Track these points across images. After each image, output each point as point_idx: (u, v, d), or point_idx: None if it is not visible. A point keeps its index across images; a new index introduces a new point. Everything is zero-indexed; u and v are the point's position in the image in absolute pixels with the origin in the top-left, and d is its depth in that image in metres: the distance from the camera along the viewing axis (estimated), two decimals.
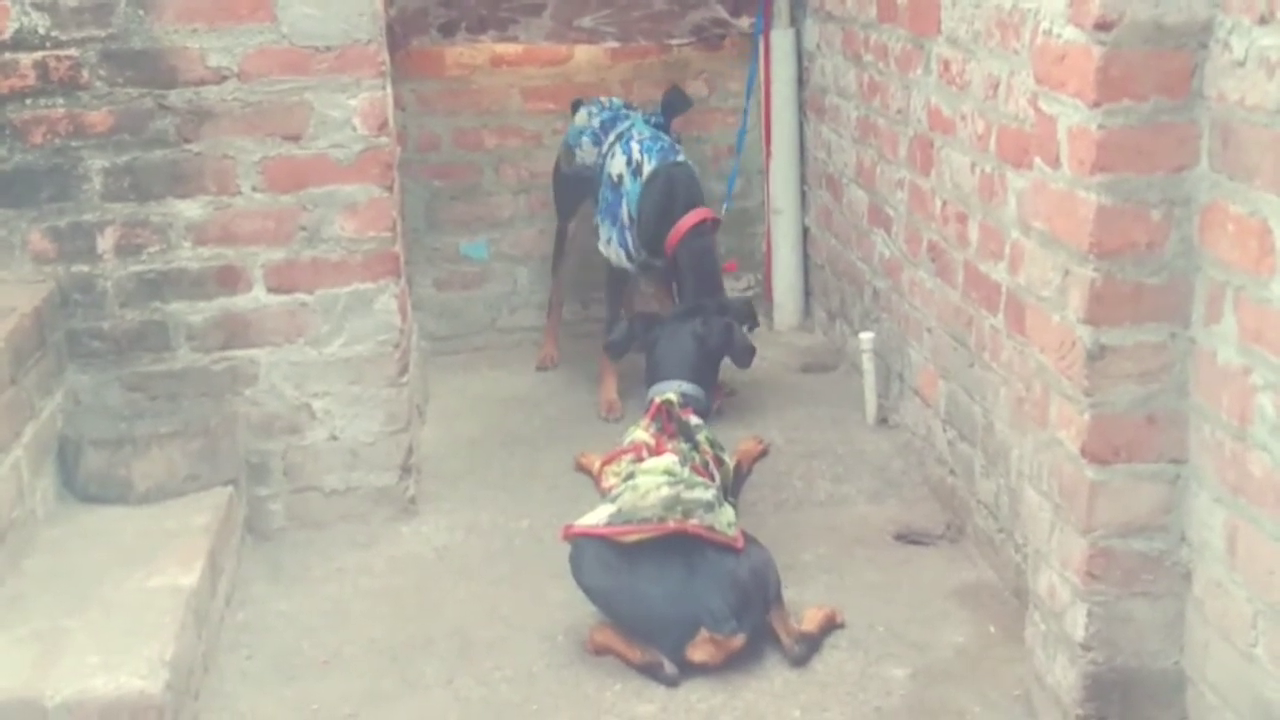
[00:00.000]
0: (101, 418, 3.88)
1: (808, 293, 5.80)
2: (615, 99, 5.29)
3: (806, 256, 5.76)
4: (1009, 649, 3.30)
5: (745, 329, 4.71)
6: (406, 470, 4.19)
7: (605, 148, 5.01)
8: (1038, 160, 2.80)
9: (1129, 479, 2.65)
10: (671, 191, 4.76)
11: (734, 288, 5.89)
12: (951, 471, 4.04)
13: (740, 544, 3.38)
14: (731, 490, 4.03)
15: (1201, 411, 2.55)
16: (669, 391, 3.98)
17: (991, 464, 3.71)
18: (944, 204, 4.02)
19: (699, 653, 3.28)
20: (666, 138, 5.00)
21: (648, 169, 4.80)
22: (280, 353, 4.03)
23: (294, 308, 4.02)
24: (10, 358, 3.44)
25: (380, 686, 3.33)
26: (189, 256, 3.94)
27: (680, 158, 4.90)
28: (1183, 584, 2.67)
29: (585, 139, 5.10)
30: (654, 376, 4.22)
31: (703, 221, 4.76)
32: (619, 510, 3.39)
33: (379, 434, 4.13)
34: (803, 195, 5.71)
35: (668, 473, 3.49)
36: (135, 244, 3.91)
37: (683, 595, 3.29)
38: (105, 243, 3.90)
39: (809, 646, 3.35)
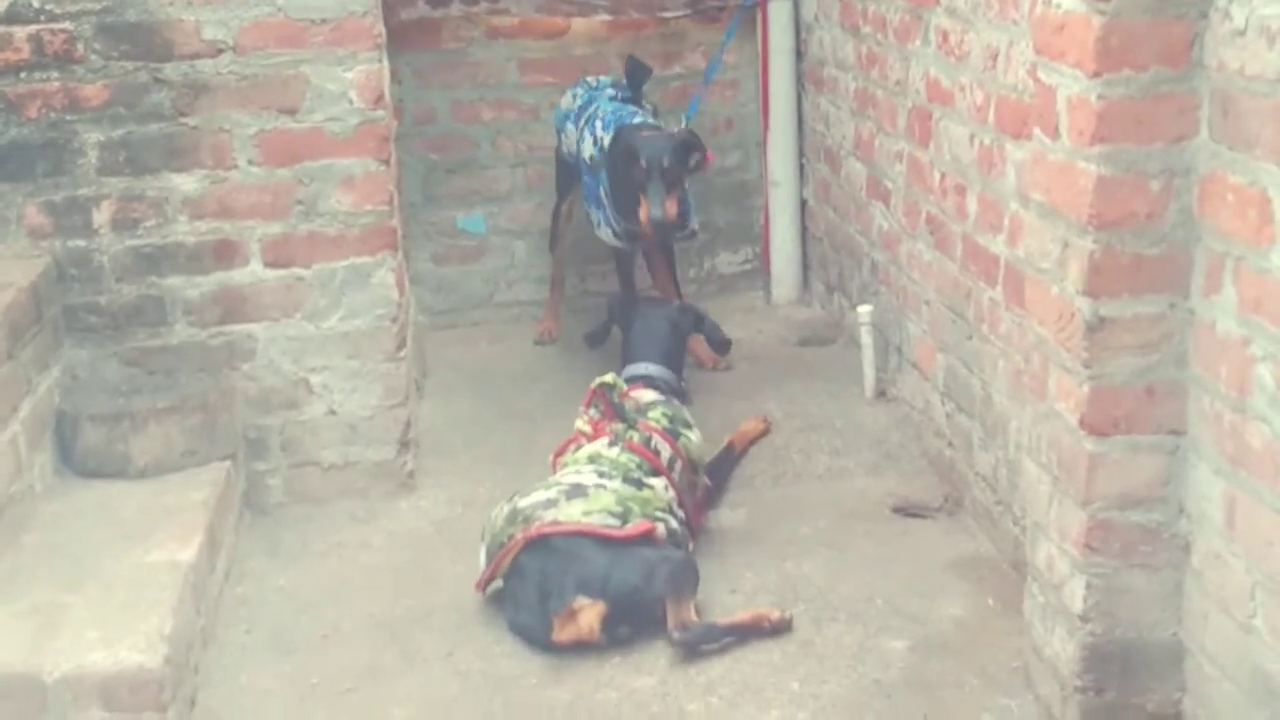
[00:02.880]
0: (99, 393, 3.88)
1: (806, 266, 5.78)
2: (603, 78, 5.25)
3: (804, 229, 5.75)
4: (1007, 621, 3.30)
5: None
6: (405, 445, 4.19)
7: (578, 130, 4.99)
8: (1037, 131, 2.79)
9: (1128, 450, 2.65)
10: (632, 150, 4.67)
11: (731, 261, 5.89)
12: (950, 444, 4.04)
13: (608, 532, 3.38)
14: (716, 467, 4.05)
15: (1200, 383, 2.55)
16: (631, 372, 4.06)
17: (990, 436, 3.71)
18: (943, 176, 4.01)
19: (559, 634, 3.30)
20: (630, 108, 4.96)
21: (607, 140, 4.79)
22: (278, 327, 4.02)
23: (291, 282, 4.01)
24: (6, 333, 3.44)
25: (379, 660, 3.34)
26: (185, 231, 3.93)
27: (636, 119, 4.84)
28: (1181, 555, 2.67)
29: (569, 125, 5.08)
30: (627, 358, 4.24)
31: None
32: (486, 546, 3.53)
33: (377, 409, 4.13)
34: (801, 168, 5.69)
35: (590, 459, 3.64)
36: (131, 218, 3.90)
37: (540, 593, 3.35)
38: (101, 217, 3.89)
39: (695, 635, 3.28)
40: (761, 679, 3.17)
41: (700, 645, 3.28)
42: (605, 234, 4.92)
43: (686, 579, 3.39)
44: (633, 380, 4.04)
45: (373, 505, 4.12)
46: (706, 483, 3.95)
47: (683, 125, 4.97)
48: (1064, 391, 2.73)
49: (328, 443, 4.12)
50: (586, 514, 3.43)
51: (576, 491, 3.50)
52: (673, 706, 3.10)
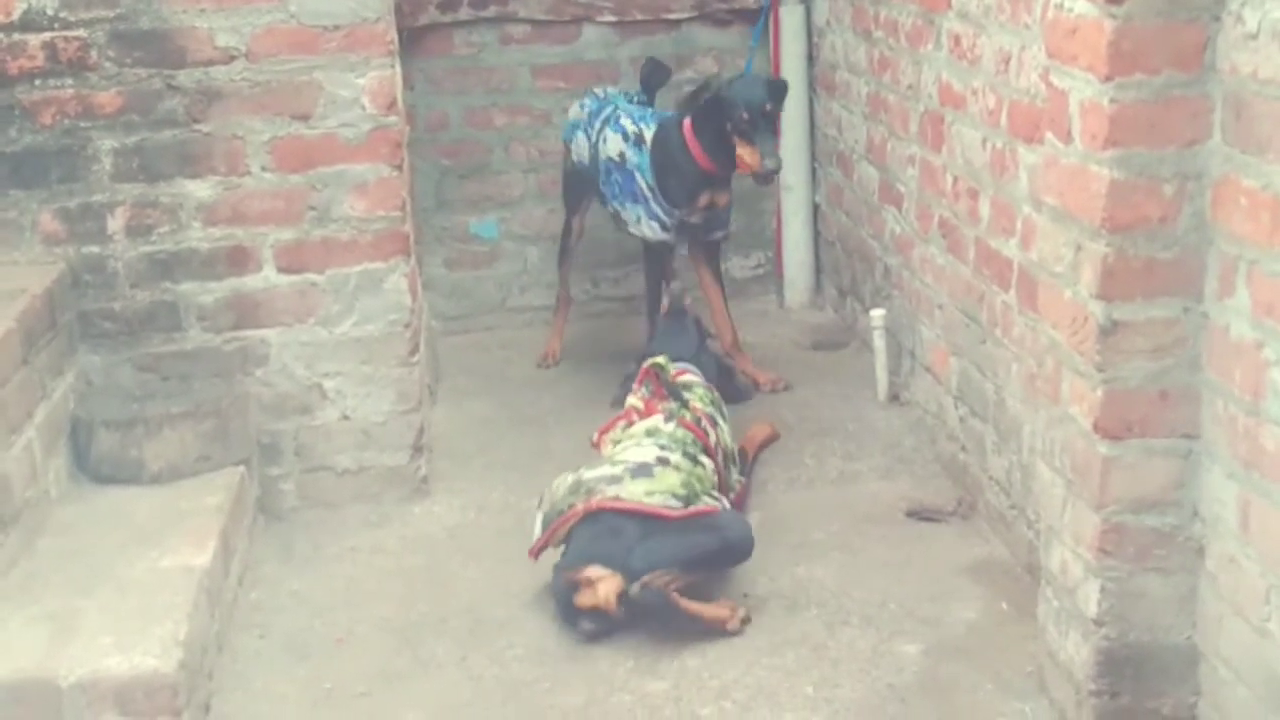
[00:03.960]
0: (113, 398, 3.89)
1: (819, 270, 5.78)
2: (611, 89, 5.22)
3: (817, 233, 5.75)
4: (1021, 625, 3.29)
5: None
6: (418, 450, 4.20)
7: (594, 136, 4.94)
8: (1049, 135, 2.79)
9: (1141, 454, 2.65)
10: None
11: (744, 265, 5.89)
12: (963, 448, 4.03)
13: (666, 512, 3.42)
14: (738, 466, 4.05)
15: (1214, 386, 2.54)
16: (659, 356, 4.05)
17: (1003, 440, 3.70)
18: (955, 180, 4.01)
19: (579, 598, 3.35)
20: (651, 109, 4.98)
21: (650, 133, 4.77)
22: (291, 333, 4.03)
23: (304, 287, 4.02)
24: (22, 339, 3.45)
25: (393, 665, 3.34)
26: (199, 237, 3.94)
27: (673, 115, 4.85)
28: (1196, 559, 2.66)
29: (579, 134, 5.03)
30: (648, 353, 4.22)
31: None
32: (544, 514, 3.55)
33: (390, 414, 4.13)
34: (813, 172, 5.70)
35: (648, 432, 3.67)
36: (145, 225, 3.91)
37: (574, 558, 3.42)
38: (115, 223, 3.90)
39: (649, 598, 3.29)
40: (775, 683, 3.17)
41: (652, 609, 3.31)
42: (649, 228, 4.82)
43: (716, 559, 3.45)
44: (676, 362, 4.06)
45: (386, 510, 4.12)
46: (743, 481, 3.98)
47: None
48: (1077, 395, 2.73)
49: (341, 448, 4.13)
50: (649, 494, 3.45)
51: (641, 470, 3.51)
52: (686, 711, 3.09)
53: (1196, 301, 2.57)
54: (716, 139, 4.63)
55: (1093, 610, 2.74)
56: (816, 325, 5.56)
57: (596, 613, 3.34)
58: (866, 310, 4.91)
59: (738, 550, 3.49)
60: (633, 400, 3.88)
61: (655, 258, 4.98)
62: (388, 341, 4.09)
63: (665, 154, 4.73)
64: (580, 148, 5.03)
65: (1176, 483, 2.64)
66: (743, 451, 4.23)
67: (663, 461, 3.55)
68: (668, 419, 3.74)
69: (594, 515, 3.44)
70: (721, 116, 4.58)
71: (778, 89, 4.70)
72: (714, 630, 3.36)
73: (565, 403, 4.85)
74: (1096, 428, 2.66)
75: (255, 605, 3.63)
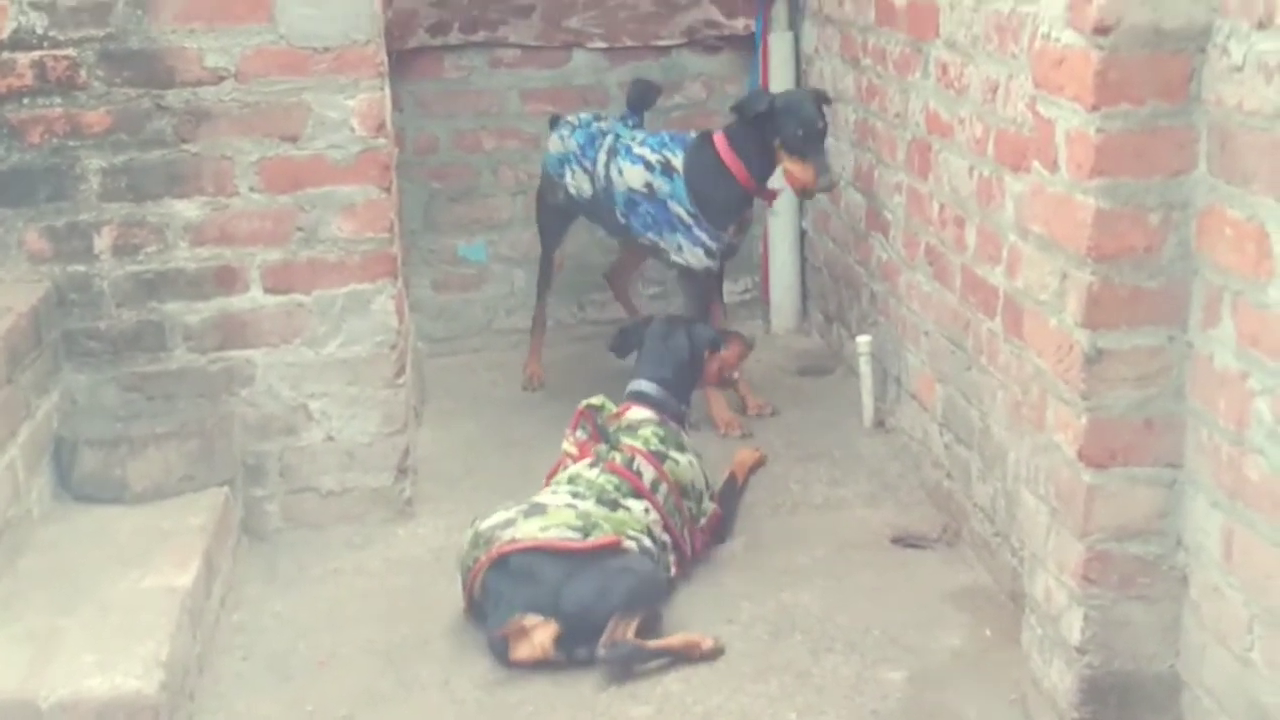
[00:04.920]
0: (97, 418, 3.88)
1: (805, 296, 5.80)
2: (584, 114, 5.14)
3: (804, 259, 5.76)
4: (1005, 652, 3.29)
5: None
6: (403, 472, 4.19)
7: (599, 168, 4.88)
8: (1036, 164, 2.80)
9: (1126, 483, 2.65)
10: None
11: (731, 290, 5.89)
12: (948, 475, 4.04)
13: (567, 545, 3.41)
14: (723, 498, 4.04)
15: (1198, 415, 2.55)
16: (632, 388, 4.03)
17: (988, 467, 3.71)
18: (942, 207, 4.02)
19: (514, 653, 3.33)
20: (653, 133, 4.93)
21: (679, 160, 4.72)
22: (277, 353, 4.03)
23: (291, 308, 4.01)
24: (6, 357, 3.44)
25: (376, 687, 3.33)
26: (186, 257, 3.94)
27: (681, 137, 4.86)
28: (1179, 588, 2.67)
29: (573, 168, 4.96)
30: (636, 373, 4.16)
31: None
32: (460, 573, 3.55)
33: (376, 435, 4.13)
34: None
35: (570, 479, 3.67)
36: (132, 244, 3.91)
37: (498, 613, 3.39)
38: (102, 243, 3.90)
39: (620, 654, 3.28)
40: (759, 709, 3.16)
41: (627, 664, 3.29)
42: (694, 256, 4.74)
43: (644, 596, 3.41)
44: (633, 397, 4.01)
45: (370, 532, 4.11)
46: (715, 509, 3.95)
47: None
48: (1062, 423, 2.74)
49: (326, 469, 4.12)
50: (544, 529, 3.46)
51: (535, 509, 3.53)
52: None
53: (1181, 331, 2.58)
54: (759, 155, 4.64)
55: (1076, 638, 2.74)
56: (802, 351, 5.57)
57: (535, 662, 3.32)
58: (853, 336, 4.92)
59: (655, 585, 3.48)
60: (567, 446, 3.85)
61: (697, 283, 4.85)
62: (374, 363, 4.09)
63: (702, 177, 4.70)
64: (578, 182, 4.95)
65: (1160, 511, 2.65)
66: (732, 477, 4.22)
67: (563, 505, 3.55)
68: (593, 464, 3.72)
69: (499, 562, 3.42)
70: (772, 132, 4.57)
71: (825, 102, 4.70)
72: (693, 657, 3.35)
73: (550, 425, 4.83)
74: (1081, 456, 2.67)
75: (238, 626, 3.62)
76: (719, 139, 4.72)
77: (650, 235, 4.82)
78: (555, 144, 5.09)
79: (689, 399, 4.22)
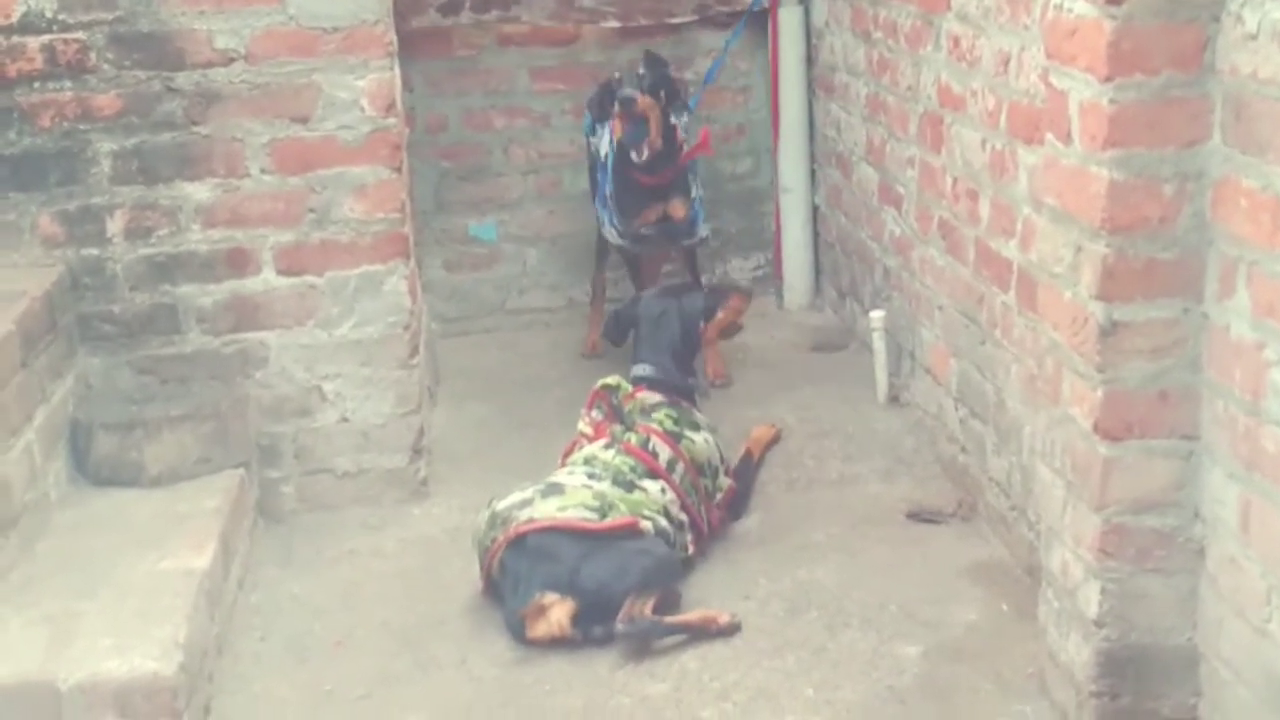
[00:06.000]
0: (112, 401, 3.89)
1: (818, 271, 5.78)
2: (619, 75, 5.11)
3: (816, 235, 5.75)
4: (1022, 627, 3.29)
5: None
6: (417, 452, 4.19)
7: (591, 126, 5.04)
8: (1049, 136, 2.79)
9: (1142, 455, 2.64)
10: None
11: (743, 267, 5.89)
12: (963, 449, 4.03)
13: (585, 525, 3.42)
14: (739, 475, 4.04)
15: (1214, 387, 2.54)
16: (636, 373, 4.01)
17: (1003, 441, 3.70)
18: (954, 181, 4.01)
19: (530, 631, 3.34)
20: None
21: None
22: (290, 335, 4.03)
23: (303, 290, 4.02)
24: (21, 341, 3.45)
25: (393, 667, 3.34)
26: (198, 239, 3.94)
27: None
28: (1196, 560, 2.66)
29: (597, 129, 5.10)
30: (634, 357, 4.15)
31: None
32: (477, 554, 3.56)
33: (390, 416, 4.13)
34: (812, 174, 5.69)
35: (585, 460, 3.68)
36: (145, 227, 3.91)
37: (516, 592, 3.40)
38: (114, 226, 3.90)
39: (638, 628, 3.30)
40: (775, 685, 3.17)
41: (645, 639, 3.30)
42: (610, 233, 4.95)
43: (660, 576, 3.42)
44: (637, 381, 4.01)
45: (385, 513, 4.12)
46: (731, 484, 3.95)
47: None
48: (1077, 396, 2.73)
49: (341, 450, 4.13)
50: (561, 509, 3.47)
51: (552, 489, 3.54)
52: (687, 713, 3.09)
53: (1196, 302, 2.56)
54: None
55: (1093, 611, 2.74)
56: (816, 327, 5.56)
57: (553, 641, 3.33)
58: (866, 311, 4.91)
59: (671, 567, 3.49)
60: (582, 426, 3.86)
61: (629, 265, 5.16)
62: (387, 344, 4.09)
63: (619, 166, 4.81)
64: (599, 142, 5.07)
65: (1177, 483, 2.64)
66: (748, 454, 4.22)
67: (580, 485, 3.56)
68: (608, 445, 3.73)
69: (517, 542, 3.43)
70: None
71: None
72: (710, 632, 3.36)
73: (564, 405, 4.84)
74: (1097, 429, 2.66)
75: (255, 608, 3.63)
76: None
77: (595, 202, 5.02)
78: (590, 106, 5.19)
79: (692, 369, 4.21)
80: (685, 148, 4.93)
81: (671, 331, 4.13)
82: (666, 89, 4.87)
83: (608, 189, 4.86)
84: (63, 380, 3.77)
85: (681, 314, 4.17)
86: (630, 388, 3.91)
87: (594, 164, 5.12)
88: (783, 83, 5.62)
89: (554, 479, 3.63)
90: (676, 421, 3.84)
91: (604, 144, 4.93)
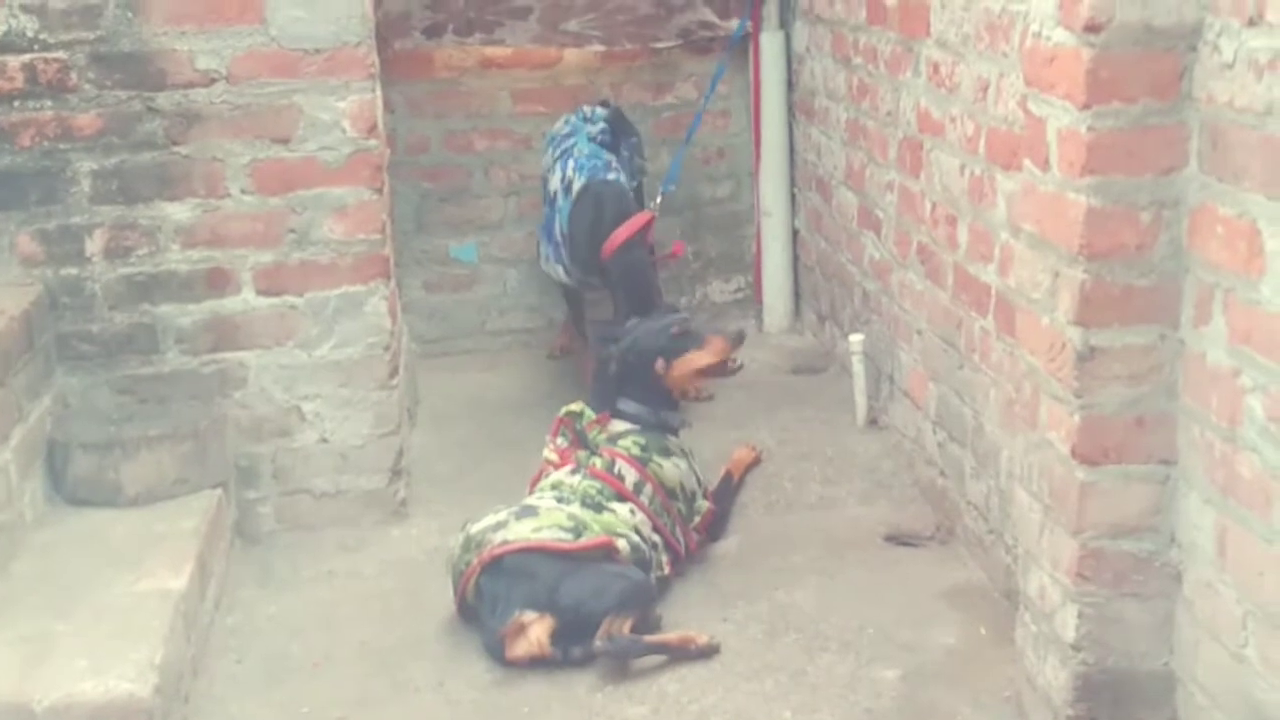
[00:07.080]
0: (90, 421, 3.87)
1: (797, 295, 5.80)
2: (599, 109, 5.15)
3: (796, 258, 5.77)
4: (999, 650, 3.30)
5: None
6: (396, 473, 4.19)
7: (553, 161, 5.02)
8: (1027, 162, 2.80)
9: (1119, 480, 2.65)
10: (599, 208, 4.71)
11: (724, 290, 5.90)
12: (942, 473, 4.04)
13: (561, 545, 3.43)
14: (719, 497, 4.04)
15: (1191, 413, 2.56)
16: (618, 406, 3.92)
17: (981, 465, 3.71)
18: (934, 206, 4.03)
19: (510, 651, 3.34)
20: (605, 155, 4.93)
21: (577, 186, 4.79)
22: (270, 355, 4.02)
23: (283, 310, 4.01)
24: None
25: (370, 689, 3.32)
26: (178, 259, 3.94)
27: (610, 176, 4.82)
28: (1173, 585, 2.67)
29: (549, 149, 5.11)
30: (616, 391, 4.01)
31: (631, 237, 4.68)
32: (450, 578, 3.56)
33: (369, 437, 4.12)
34: (792, 197, 5.72)
35: (553, 486, 3.69)
36: (124, 246, 3.90)
37: (494, 614, 3.40)
38: (94, 245, 3.89)
39: (618, 646, 3.30)
40: (754, 708, 3.16)
41: (624, 656, 3.30)
42: (553, 269, 4.97)
43: (637, 599, 3.41)
44: (615, 415, 3.93)
45: (364, 534, 4.11)
46: (710, 507, 3.95)
47: (660, 196, 5.16)
48: (1055, 421, 2.74)
49: (319, 471, 4.12)
50: (536, 530, 3.47)
51: (526, 511, 3.55)
52: None
53: (1173, 328, 2.58)
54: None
55: (1070, 635, 2.75)
56: (795, 350, 5.58)
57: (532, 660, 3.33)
58: (845, 335, 4.92)
59: (648, 591, 3.50)
60: (547, 454, 3.86)
61: (569, 296, 5.22)
62: (367, 364, 4.09)
63: (581, 214, 4.76)
64: (546, 160, 5.11)
65: (1154, 508, 2.65)
66: (728, 475, 4.22)
67: (553, 508, 3.57)
68: (574, 470, 3.74)
69: (494, 564, 3.43)
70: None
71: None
72: (688, 654, 3.36)
73: (543, 426, 4.79)
74: (1074, 453, 2.67)
75: (232, 629, 3.61)
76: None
77: (539, 233, 5.06)
78: (558, 125, 5.19)
79: (670, 403, 3.99)
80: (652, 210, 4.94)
81: (624, 379, 3.94)
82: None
83: (558, 230, 4.84)
84: (40, 400, 3.75)
85: (628, 361, 3.95)
86: (593, 415, 3.89)
87: (547, 199, 5.07)
88: (764, 107, 5.65)
89: (527, 502, 3.64)
90: (644, 448, 3.83)
91: (555, 179, 4.94)
